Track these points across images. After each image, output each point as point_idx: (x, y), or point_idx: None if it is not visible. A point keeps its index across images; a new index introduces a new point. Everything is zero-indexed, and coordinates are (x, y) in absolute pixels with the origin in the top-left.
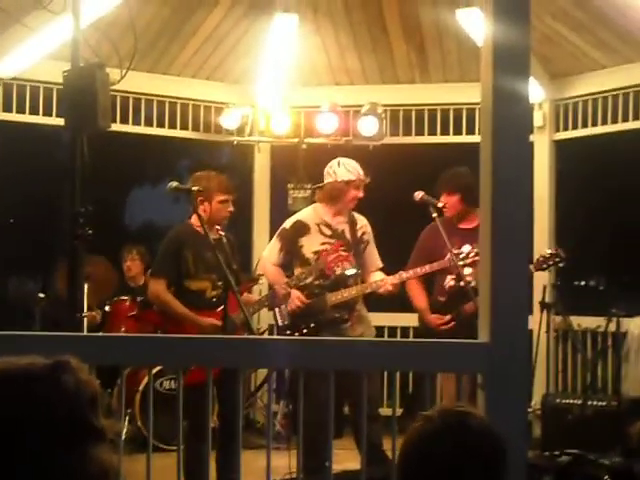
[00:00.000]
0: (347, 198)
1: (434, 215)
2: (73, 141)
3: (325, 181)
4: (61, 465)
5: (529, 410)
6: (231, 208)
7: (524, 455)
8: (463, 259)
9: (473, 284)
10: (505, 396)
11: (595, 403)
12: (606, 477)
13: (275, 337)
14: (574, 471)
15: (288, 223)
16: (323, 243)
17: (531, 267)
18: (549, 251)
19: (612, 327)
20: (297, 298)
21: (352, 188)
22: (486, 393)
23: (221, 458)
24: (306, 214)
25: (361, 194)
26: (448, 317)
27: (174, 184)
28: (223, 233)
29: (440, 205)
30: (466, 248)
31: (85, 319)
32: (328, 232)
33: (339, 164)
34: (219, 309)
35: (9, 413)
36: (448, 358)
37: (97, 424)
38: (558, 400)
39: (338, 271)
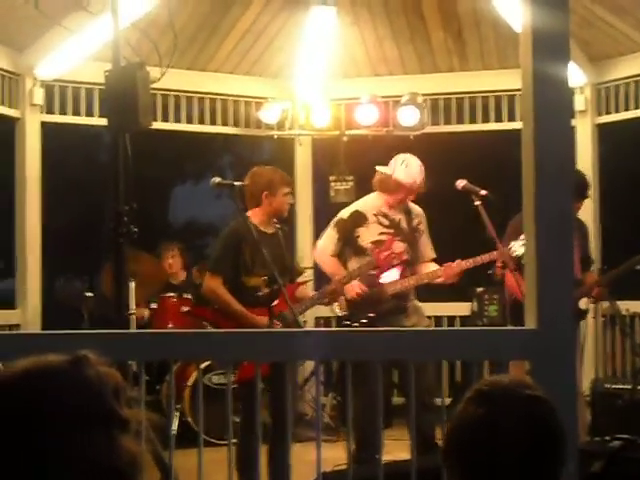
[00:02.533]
0: (396, 197)
1: (477, 203)
2: (115, 140)
3: (384, 170)
4: (90, 454)
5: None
6: (292, 200)
7: (575, 441)
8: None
9: None
10: (554, 382)
11: None
12: None
13: (320, 329)
14: (625, 456)
15: (346, 213)
16: (381, 233)
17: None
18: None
19: None
20: (357, 286)
21: (402, 191)
22: (535, 380)
23: (272, 452)
24: (364, 204)
25: (412, 198)
26: None
27: (217, 180)
28: (279, 226)
29: (483, 193)
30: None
31: (133, 316)
32: (386, 222)
33: (403, 162)
34: (271, 305)
35: (36, 404)
36: (495, 346)
37: (122, 414)
38: (607, 385)
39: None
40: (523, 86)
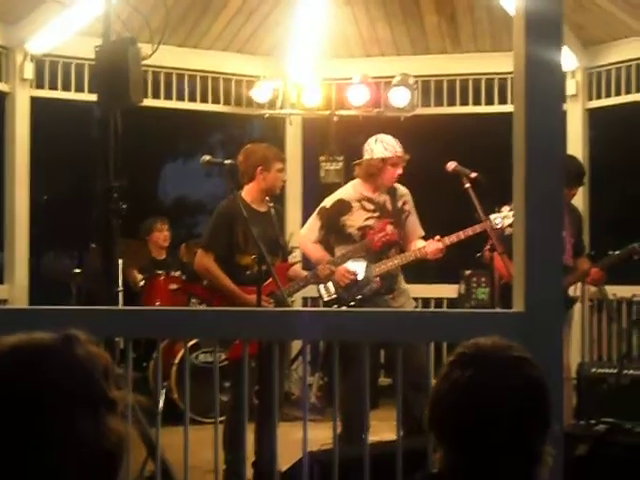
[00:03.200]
0: (385, 176)
1: (467, 186)
2: (105, 116)
3: (364, 157)
4: (79, 432)
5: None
6: (286, 177)
7: (561, 424)
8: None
9: None
10: (541, 365)
11: (630, 372)
12: None
13: (309, 309)
14: (610, 440)
15: (329, 202)
16: (367, 218)
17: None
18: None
19: None
20: (346, 272)
21: (389, 165)
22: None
23: (259, 431)
24: (346, 192)
25: (399, 171)
26: None
27: (207, 158)
28: (272, 204)
29: (473, 175)
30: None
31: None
32: (370, 206)
33: (376, 141)
34: (264, 284)
35: (26, 382)
36: (482, 328)
37: (111, 395)
38: (593, 369)
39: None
40: (515, 69)
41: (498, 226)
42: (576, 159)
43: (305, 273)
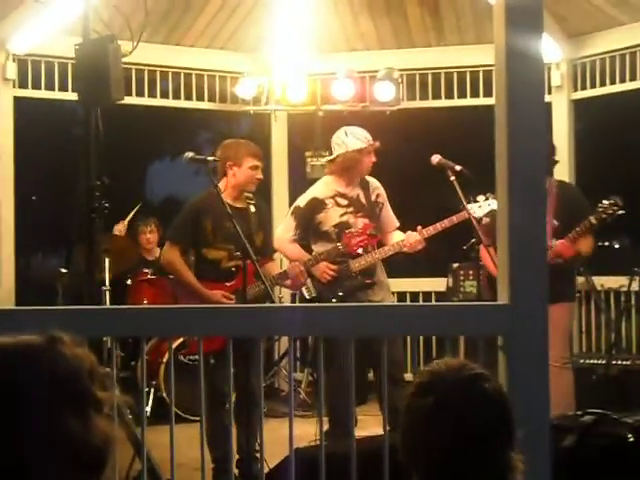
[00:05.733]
0: (362, 166)
1: (452, 178)
2: (87, 114)
3: (335, 153)
4: (66, 432)
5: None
6: (260, 175)
7: (547, 416)
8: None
9: None
10: (527, 358)
11: (619, 362)
12: (629, 435)
13: (292, 305)
14: (597, 431)
15: (302, 201)
16: (343, 214)
17: (592, 219)
18: (606, 202)
19: (635, 286)
20: (327, 268)
21: (365, 155)
22: (507, 355)
23: (242, 428)
24: (319, 190)
25: (374, 159)
26: None
27: (190, 154)
28: (253, 202)
29: (458, 168)
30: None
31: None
32: (344, 202)
33: (347, 134)
34: (232, 281)
35: (12, 384)
36: (468, 321)
37: (97, 395)
38: (582, 360)
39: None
40: (496, 61)
41: (475, 214)
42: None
43: (278, 271)
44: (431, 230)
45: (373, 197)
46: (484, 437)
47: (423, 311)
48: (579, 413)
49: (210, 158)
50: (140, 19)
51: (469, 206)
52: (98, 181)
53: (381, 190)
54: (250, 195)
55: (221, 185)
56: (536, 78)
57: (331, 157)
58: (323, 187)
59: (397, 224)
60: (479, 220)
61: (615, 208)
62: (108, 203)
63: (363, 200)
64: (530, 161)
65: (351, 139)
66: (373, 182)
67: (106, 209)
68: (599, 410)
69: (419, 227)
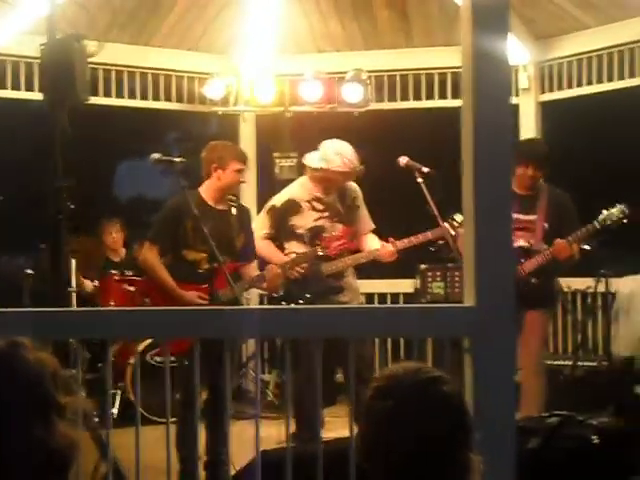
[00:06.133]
0: (337, 184)
1: (419, 180)
2: (53, 114)
3: (318, 165)
4: (29, 437)
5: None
6: (244, 179)
7: (512, 418)
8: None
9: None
10: (492, 360)
11: (586, 364)
12: (594, 437)
13: (258, 307)
14: (562, 432)
15: (278, 201)
16: (317, 219)
17: (596, 224)
18: (614, 209)
19: (601, 287)
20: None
21: (345, 177)
22: (473, 357)
23: (210, 430)
24: (296, 191)
25: (351, 181)
26: None
27: (156, 156)
28: (236, 204)
29: (425, 170)
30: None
31: (74, 292)
32: (320, 206)
33: (335, 152)
34: (208, 284)
35: None
36: (434, 323)
37: (60, 399)
38: (549, 362)
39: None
40: (463, 63)
41: (453, 233)
42: (538, 141)
43: (255, 274)
44: (405, 243)
45: (349, 201)
46: (443, 439)
47: (389, 312)
48: (545, 415)
49: (177, 159)
50: (107, 18)
51: (447, 224)
52: (65, 182)
53: (358, 193)
54: (233, 197)
55: (203, 186)
56: (502, 79)
57: (314, 167)
58: (300, 189)
59: (372, 227)
60: (455, 237)
61: (622, 216)
62: (74, 204)
63: (339, 206)
64: (496, 162)
65: (337, 160)
66: (350, 185)
67: (72, 210)
68: (564, 412)
69: (391, 239)
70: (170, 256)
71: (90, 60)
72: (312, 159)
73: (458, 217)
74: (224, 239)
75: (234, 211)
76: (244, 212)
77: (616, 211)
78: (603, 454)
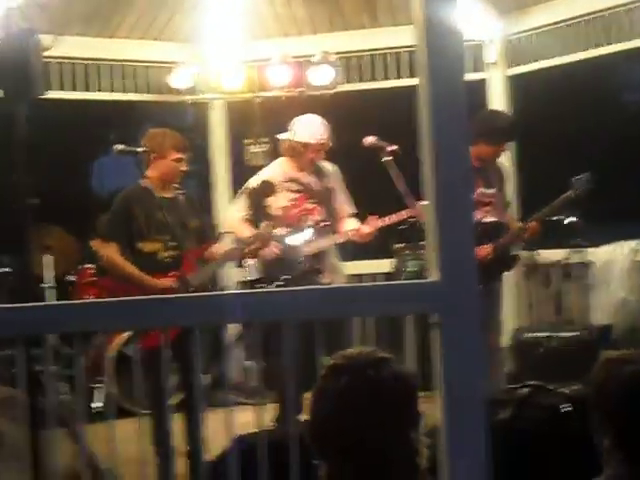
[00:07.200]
0: (304, 159)
1: (386, 159)
2: (10, 110)
3: (284, 137)
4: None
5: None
6: (185, 167)
7: (481, 392)
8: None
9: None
10: (460, 334)
11: (564, 334)
12: (563, 406)
13: (231, 292)
14: (533, 402)
15: (255, 182)
16: (292, 199)
17: (571, 194)
18: (578, 177)
19: (577, 259)
20: (274, 245)
21: (309, 151)
22: (442, 332)
23: (187, 420)
24: (272, 172)
25: (320, 157)
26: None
27: (120, 147)
28: (180, 191)
29: (392, 149)
30: None
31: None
32: (295, 187)
33: (302, 122)
34: (173, 271)
35: None
36: (400, 300)
37: None
38: (528, 334)
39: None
40: (417, 39)
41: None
42: (502, 114)
43: (223, 250)
44: (379, 223)
45: (326, 183)
46: (392, 417)
47: (353, 291)
48: (515, 386)
49: (139, 149)
50: (74, 13)
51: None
52: (25, 178)
53: (336, 176)
54: (177, 185)
55: (149, 175)
56: (455, 53)
57: (281, 138)
58: (277, 169)
59: (350, 211)
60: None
61: (587, 183)
62: (40, 199)
63: (316, 187)
64: (453, 134)
65: (302, 130)
66: (328, 168)
67: (36, 206)
68: (534, 382)
69: (370, 217)
70: (128, 252)
71: (59, 55)
72: (283, 134)
73: None
74: (177, 225)
75: (181, 198)
76: (192, 197)
77: (582, 178)
78: (571, 421)
